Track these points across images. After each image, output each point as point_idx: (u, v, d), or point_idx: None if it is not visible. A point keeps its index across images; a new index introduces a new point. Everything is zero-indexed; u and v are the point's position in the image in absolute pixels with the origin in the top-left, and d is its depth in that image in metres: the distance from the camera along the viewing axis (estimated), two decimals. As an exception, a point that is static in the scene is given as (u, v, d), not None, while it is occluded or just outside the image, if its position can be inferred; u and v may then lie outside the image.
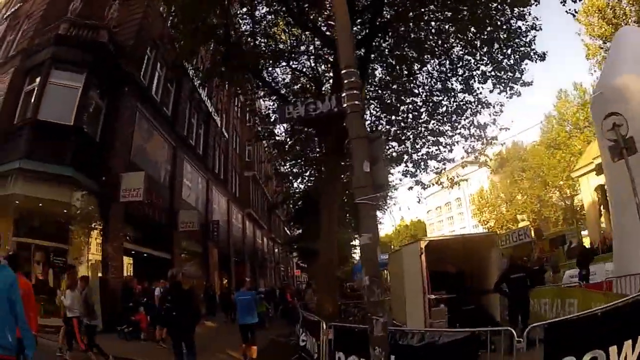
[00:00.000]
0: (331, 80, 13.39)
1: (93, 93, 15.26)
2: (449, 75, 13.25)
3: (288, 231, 55.43)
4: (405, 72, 13.14)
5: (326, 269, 11.99)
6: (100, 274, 14.16)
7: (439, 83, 13.47)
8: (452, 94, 13.35)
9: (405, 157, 14.78)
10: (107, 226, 14.68)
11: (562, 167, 36.52)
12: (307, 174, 25.34)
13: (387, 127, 14.77)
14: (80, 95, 14.59)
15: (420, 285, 10.08)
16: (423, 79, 13.69)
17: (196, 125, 25.66)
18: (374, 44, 12.38)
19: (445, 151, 13.98)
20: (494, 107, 13.02)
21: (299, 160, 24.67)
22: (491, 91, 12.89)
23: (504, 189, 47.93)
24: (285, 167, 26.10)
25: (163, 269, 18.20)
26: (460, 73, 13.04)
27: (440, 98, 13.59)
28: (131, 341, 12.75)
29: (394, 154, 15.00)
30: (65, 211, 13.88)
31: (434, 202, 79.25)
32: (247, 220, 37.29)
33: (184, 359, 7.48)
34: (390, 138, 14.49)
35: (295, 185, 26.60)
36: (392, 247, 60.96)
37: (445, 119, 13.58)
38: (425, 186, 15.46)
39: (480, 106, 13.11)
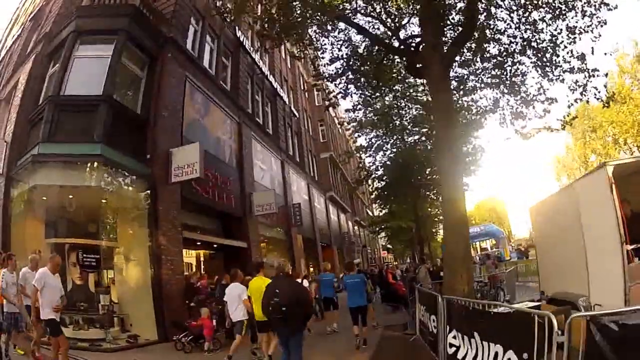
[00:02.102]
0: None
1: (127, 60, 11.76)
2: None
3: (371, 213, 51.43)
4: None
5: (456, 233, 7.67)
6: (152, 270, 10.54)
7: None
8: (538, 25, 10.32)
9: (502, 103, 11.25)
10: (156, 213, 10.89)
11: (630, 122, 32.98)
12: (390, 144, 21.15)
13: (482, 64, 11.43)
14: (110, 63, 11.05)
15: (613, 234, 5.63)
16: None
17: (261, 102, 22.02)
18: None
19: (547, 89, 10.52)
20: (591, 31, 9.85)
21: (380, 129, 20.56)
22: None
23: (578, 151, 43.72)
24: (366, 138, 21.94)
25: (238, 260, 14.84)
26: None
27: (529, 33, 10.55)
28: (191, 353, 9.11)
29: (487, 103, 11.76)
30: (104, 200, 10.31)
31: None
32: (330, 203, 33.27)
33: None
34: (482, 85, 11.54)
35: (378, 158, 22.14)
36: (474, 222, 55.81)
37: (539, 52, 10.34)
38: (528, 135, 11.97)
39: (572, 35, 10.03)
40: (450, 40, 9.71)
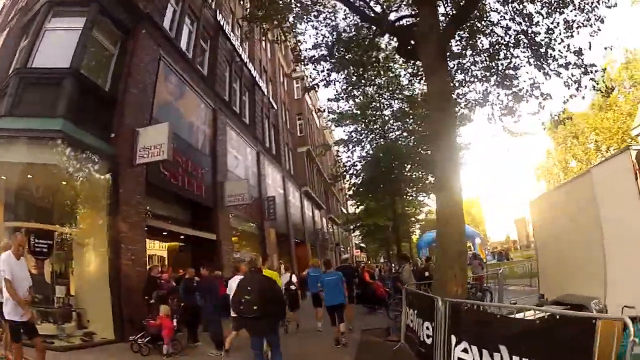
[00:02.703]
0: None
1: (100, 34, 10.75)
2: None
3: (345, 211, 51.02)
4: None
5: (450, 226, 6.84)
6: (110, 261, 9.54)
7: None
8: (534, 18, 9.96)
9: (491, 97, 10.76)
10: (118, 197, 9.93)
11: (615, 129, 33.73)
12: (370, 139, 20.62)
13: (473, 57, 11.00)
14: (80, 35, 10.01)
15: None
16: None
17: (239, 91, 21.13)
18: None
19: (542, 83, 10.11)
20: (591, 25, 9.56)
21: (361, 122, 20.00)
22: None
23: (559, 156, 44.53)
24: (345, 131, 21.32)
25: (207, 253, 13.99)
26: None
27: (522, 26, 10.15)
28: (149, 356, 8.13)
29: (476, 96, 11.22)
30: (64, 182, 9.30)
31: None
32: (305, 199, 32.52)
33: None
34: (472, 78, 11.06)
35: (356, 154, 21.55)
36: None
37: (534, 45, 9.93)
38: (517, 133, 12.27)
39: (569, 29, 9.70)
40: (447, 18, 9.15)
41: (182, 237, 14.08)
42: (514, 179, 73.67)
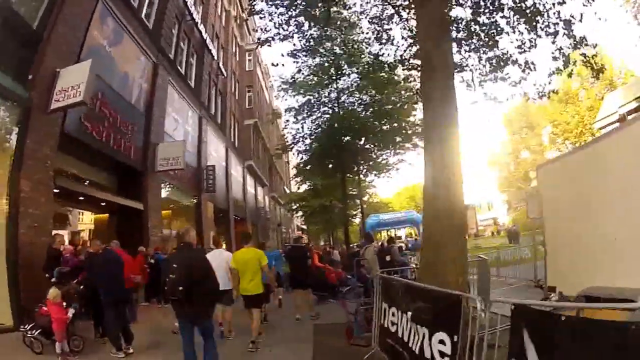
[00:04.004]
0: None
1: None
2: None
3: (289, 190, 49.85)
4: None
5: (447, 196, 5.26)
6: (7, 228, 7.81)
7: None
8: None
9: (471, 62, 9.53)
10: (23, 148, 8.13)
11: (574, 122, 34.54)
12: (324, 107, 19.30)
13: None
14: None
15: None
16: None
17: (187, 52, 19.47)
18: None
19: (527, 49, 8.99)
20: None
21: (315, 92, 18.69)
22: None
23: (512, 146, 45.52)
24: (297, 101, 19.88)
25: (132, 224, 12.34)
26: None
27: None
28: (43, 355, 6.31)
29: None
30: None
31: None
32: (248, 174, 30.87)
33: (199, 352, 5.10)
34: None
35: (307, 125, 20.17)
36: (392, 209, 56.04)
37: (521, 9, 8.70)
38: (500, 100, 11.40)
39: None
40: None
41: (103, 204, 12.24)
42: (466, 166, 75.02)
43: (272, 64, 27.40)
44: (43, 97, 8.74)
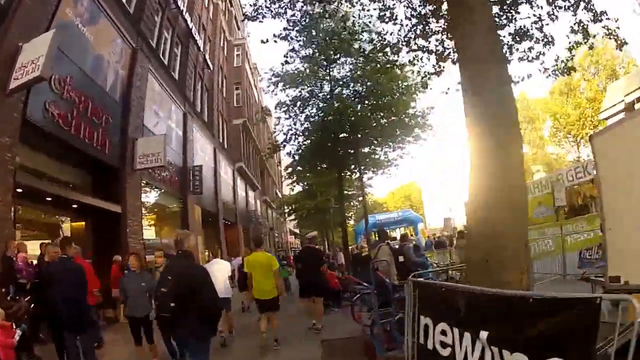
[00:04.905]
0: None
1: None
2: None
3: (280, 194, 48.62)
4: None
5: (506, 184, 3.98)
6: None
7: None
8: None
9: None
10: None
11: (577, 114, 33.93)
12: (318, 100, 17.99)
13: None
14: None
15: None
16: None
17: (171, 41, 18.08)
18: None
19: (547, 24, 8.07)
20: None
21: (306, 84, 17.40)
22: None
23: None
24: (288, 95, 18.52)
25: (109, 230, 11.01)
26: None
27: None
28: None
29: None
30: None
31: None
32: (239, 176, 29.54)
33: None
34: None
35: (300, 120, 18.80)
36: (387, 209, 55.04)
37: None
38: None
39: None
40: None
41: (74, 206, 10.80)
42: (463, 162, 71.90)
43: (262, 41, 26.19)
44: (4, 77, 7.45)
